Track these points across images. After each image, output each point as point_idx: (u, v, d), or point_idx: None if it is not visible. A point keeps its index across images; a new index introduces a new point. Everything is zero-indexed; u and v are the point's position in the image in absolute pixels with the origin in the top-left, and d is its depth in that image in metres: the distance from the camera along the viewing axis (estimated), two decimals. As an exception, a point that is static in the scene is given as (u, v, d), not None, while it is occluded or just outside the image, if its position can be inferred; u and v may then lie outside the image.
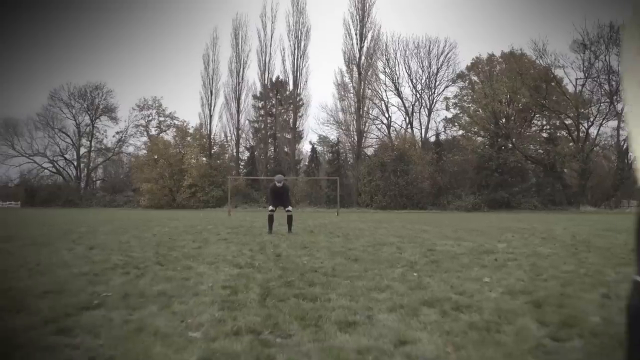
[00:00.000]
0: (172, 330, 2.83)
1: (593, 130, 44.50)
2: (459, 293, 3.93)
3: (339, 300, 3.65)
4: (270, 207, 11.64)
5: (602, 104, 43.97)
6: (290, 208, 11.64)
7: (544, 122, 48.58)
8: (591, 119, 43.96)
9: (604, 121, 44.18)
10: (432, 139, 49.96)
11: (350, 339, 2.65)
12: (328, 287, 4.21)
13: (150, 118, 66.58)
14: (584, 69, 43.89)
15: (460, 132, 50.04)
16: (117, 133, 68.09)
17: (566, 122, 45.21)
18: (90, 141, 67.43)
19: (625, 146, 43.57)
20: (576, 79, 44.69)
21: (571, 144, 44.40)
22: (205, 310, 3.35)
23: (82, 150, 67.93)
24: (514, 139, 44.52)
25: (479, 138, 47.16)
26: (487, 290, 4.03)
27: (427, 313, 3.26)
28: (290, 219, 11.60)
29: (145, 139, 65.28)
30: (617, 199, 41.88)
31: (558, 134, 46.24)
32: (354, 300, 3.68)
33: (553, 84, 43.89)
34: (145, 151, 60.72)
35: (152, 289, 4.12)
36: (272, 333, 2.77)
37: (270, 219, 11.42)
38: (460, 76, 52.57)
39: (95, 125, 67.32)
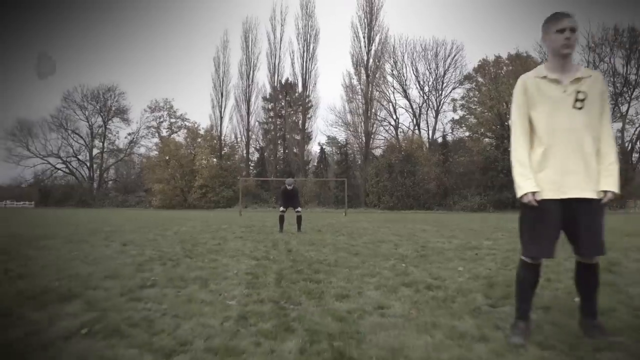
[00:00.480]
0: (214, 300, 3.89)
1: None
2: (434, 278, 4.95)
3: (338, 283, 4.69)
4: (282, 208, 12.73)
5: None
6: (299, 209, 12.72)
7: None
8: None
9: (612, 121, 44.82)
10: (440, 140, 50.96)
11: (343, 305, 3.69)
12: (330, 274, 5.25)
13: (161, 119, 68.20)
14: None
15: (467, 133, 50.98)
16: (129, 134, 69.87)
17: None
18: (103, 142, 69.17)
19: (629, 147, 44.26)
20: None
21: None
22: (235, 288, 4.41)
23: (95, 151, 69.48)
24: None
25: (485, 139, 47.98)
26: (457, 277, 5.05)
27: (404, 290, 4.29)
28: (299, 219, 12.67)
29: (156, 140, 66.74)
30: (623, 200, 42.49)
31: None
32: (350, 282, 4.71)
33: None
34: (156, 152, 62.16)
35: (189, 274, 5.18)
36: (286, 302, 3.81)
37: (281, 219, 12.50)
38: (468, 78, 53.44)
39: (107, 126, 69.03)
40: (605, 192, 2.72)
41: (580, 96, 2.74)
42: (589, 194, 2.70)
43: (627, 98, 43.79)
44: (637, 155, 44.63)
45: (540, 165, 2.79)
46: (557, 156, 2.73)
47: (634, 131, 44.35)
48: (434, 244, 8.88)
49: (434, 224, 16.41)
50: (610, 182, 2.72)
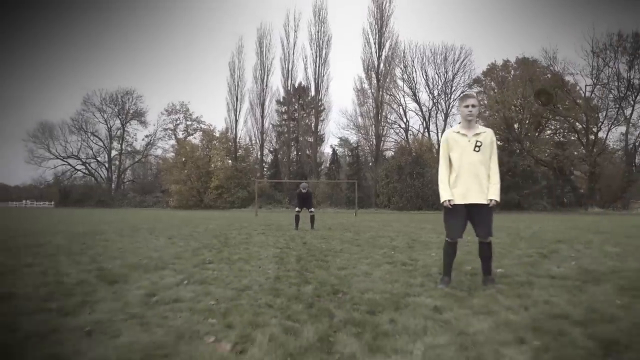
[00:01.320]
0: (256, 270, 5.90)
1: (602, 135, 46.83)
2: (410, 260, 6.91)
3: (340, 262, 6.67)
4: (297, 209, 14.76)
5: (610, 110, 46.22)
6: (312, 209, 14.75)
7: (558, 126, 51.01)
8: (599, 124, 46.20)
9: (612, 126, 46.40)
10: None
11: (342, 272, 5.68)
12: (335, 257, 7.24)
13: (178, 122, 70.86)
14: (593, 75, 46.18)
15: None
16: (146, 136, 72.67)
17: (576, 127, 47.57)
18: (121, 144, 72.01)
19: (632, 150, 45.71)
20: (585, 86, 47.02)
21: (581, 148, 46.75)
22: (268, 264, 6.42)
23: (113, 153, 72.18)
24: (527, 143, 47.18)
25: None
26: (427, 259, 7.01)
27: (385, 266, 6.26)
28: (312, 218, 14.69)
29: (172, 142, 69.29)
30: (625, 201, 44.09)
31: (568, 139, 48.67)
32: (349, 262, 6.69)
33: (563, 90, 46.11)
34: (173, 154, 64.62)
35: (233, 257, 7.20)
36: (305, 271, 5.81)
37: (297, 218, 14.52)
38: (477, 81, 55.16)
39: (125, 129, 71.82)
40: (490, 199, 4.68)
41: (478, 144, 4.72)
42: (482, 200, 4.67)
43: (631, 102, 45.23)
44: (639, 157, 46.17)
45: (454, 183, 4.77)
46: (463, 179, 4.71)
47: (638, 134, 45.79)
48: (424, 238, 10.83)
49: (434, 223, 18.28)
50: (493, 194, 4.68)
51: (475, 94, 4.86)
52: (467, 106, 4.76)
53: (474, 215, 4.73)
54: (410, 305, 3.90)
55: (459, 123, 5.00)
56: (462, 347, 2.81)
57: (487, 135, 4.79)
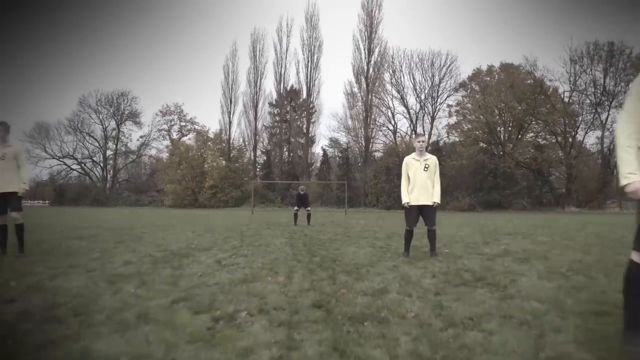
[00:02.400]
0: (278, 250, 8.46)
1: (580, 138, 49.90)
2: (387, 245, 9.50)
3: (335, 246, 9.24)
4: (295, 207, 17.32)
5: (587, 115, 49.30)
6: (309, 208, 17.33)
7: (538, 130, 54.00)
8: (577, 128, 49.26)
9: (589, 130, 49.50)
10: (431, 146, 55.58)
11: (335, 252, 8.24)
12: (331, 243, 9.81)
13: (172, 123, 73.00)
14: (571, 82, 49.25)
15: (459, 138, 55.52)
16: (141, 137, 74.72)
17: (555, 130, 50.55)
18: (116, 144, 73.93)
19: (608, 153, 48.79)
20: (564, 92, 50.07)
21: (559, 151, 49.78)
22: (283, 247, 8.97)
23: (108, 153, 74.22)
24: (510, 145, 50.12)
25: (476, 145, 52.55)
26: (400, 245, 9.60)
27: (367, 248, 8.84)
28: (309, 216, 17.26)
29: (167, 142, 71.49)
30: (601, 201, 47.12)
31: (548, 142, 51.69)
32: (342, 246, 9.26)
33: (543, 96, 49.06)
34: (167, 154, 66.88)
35: (255, 243, 9.74)
36: (311, 250, 8.37)
37: (295, 215, 17.09)
38: (463, 85, 57.94)
39: (120, 129, 73.88)
40: (434, 202, 7.28)
41: (426, 166, 7.32)
42: (429, 202, 7.27)
43: (607, 107, 48.29)
44: (615, 160, 49.16)
45: (411, 191, 7.36)
46: (417, 188, 7.30)
47: (613, 138, 48.78)
48: (402, 232, 13.43)
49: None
50: (435, 197, 7.28)
51: (424, 134, 7.50)
52: (419, 142, 7.41)
53: (424, 212, 7.33)
54: (379, 265, 6.48)
55: (414, 152, 7.59)
56: (402, 279, 5.36)
57: (432, 160, 7.41)
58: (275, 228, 15.22)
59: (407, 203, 7.35)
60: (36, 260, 6.77)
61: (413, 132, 54.58)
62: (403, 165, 7.63)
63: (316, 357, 2.72)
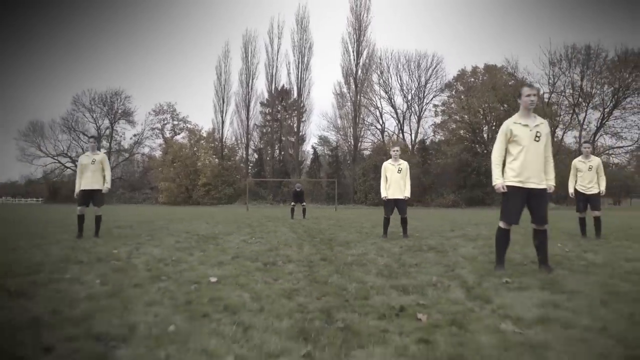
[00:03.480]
0: (283, 235, 10.89)
1: (558, 138, 52.71)
2: (371, 231, 11.94)
3: (330, 233, 11.68)
4: (292, 203, 19.73)
5: (565, 115, 52.18)
6: (304, 203, 19.77)
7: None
8: (555, 128, 52.09)
9: (567, 130, 52.43)
10: (417, 145, 58.28)
11: (331, 236, 10.68)
12: (326, 233, 12.24)
13: (165, 122, 74.92)
14: (550, 84, 52.13)
15: (445, 137, 58.27)
16: (134, 135, 76.65)
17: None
18: (110, 143, 75.74)
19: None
20: (543, 93, 52.82)
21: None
22: (288, 234, 11.39)
23: (102, 151, 75.93)
24: (491, 145, 52.77)
25: (461, 144, 55.29)
26: (380, 231, 12.05)
27: (354, 234, 11.29)
28: (304, 210, 19.71)
29: (160, 141, 73.56)
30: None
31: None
32: (334, 233, 11.69)
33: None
34: (160, 152, 69.03)
35: (264, 231, 12.14)
36: (308, 234, 10.79)
37: (292, 210, 19.51)
38: (448, 86, 60.65)
39: (114, 128, 75.79)
40: (405, 196, 9.74)
41: (400, 169, 9.77)
42: (401, 197, 9.72)
43: (584, 108, 51.20)
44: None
45: (388, 188, 9.81)
46: (392, 186, 9.76)
47: (591, 136, 51.80)
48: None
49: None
50: (406, 192, 9.74)
51: (398, 146, 9.91)
52: (394, 151, 9.87)
53: (398, 204, 9.78)
54: (364, 242, 8.92)
55: (391, 159, 10.02)
56: (378, 248, 7.79)
57: (404, 165, 9.86)
58: (276, 221, 17.60)
59: (385, 197, 9.80)
60: (112, 239, 9.13)
61: (390, 142, 56.91)
62: (382, 169, 10.09)
63: (326, 275, 5.11)
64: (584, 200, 9.86)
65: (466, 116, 51.88)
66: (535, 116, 5.46)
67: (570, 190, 10.06)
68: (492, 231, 11.39)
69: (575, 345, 2.65)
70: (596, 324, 3.04)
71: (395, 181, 9.79)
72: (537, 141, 5.33)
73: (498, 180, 5.46)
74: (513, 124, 5.43)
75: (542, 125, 5.41)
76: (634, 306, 3.53)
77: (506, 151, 5.50)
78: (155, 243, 8.52)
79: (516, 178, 5.38)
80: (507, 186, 5.42)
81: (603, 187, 9.83)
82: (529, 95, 5.35)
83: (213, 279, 4.69)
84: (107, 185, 9.77)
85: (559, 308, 3.50)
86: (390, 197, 9.79)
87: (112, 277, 4.85)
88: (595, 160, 10.07)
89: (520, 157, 5.35)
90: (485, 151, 51.81)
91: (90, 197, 9.59)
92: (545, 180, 5.46)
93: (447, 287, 4.41)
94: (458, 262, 6.14)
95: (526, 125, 5.36)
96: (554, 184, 5.57)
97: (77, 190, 9.67)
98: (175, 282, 4.57)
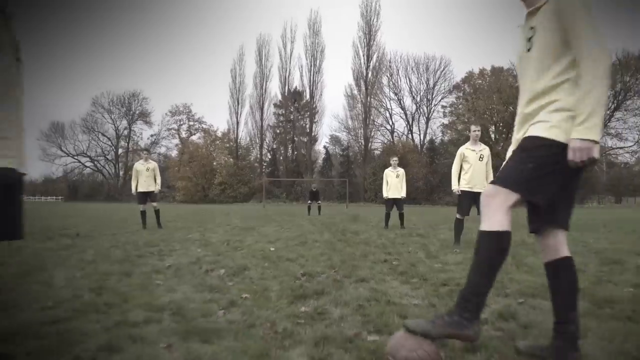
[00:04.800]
0: (306, 227, 13.77)
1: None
2: (375, 225, 14.78)
3: (342, 225, 14.53)
4: (309, 201, 22.64)
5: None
6: (319, 202, 22.65)
7: (527, 129, 59.12)
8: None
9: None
10: (427, 145, 60.98)
11: (343, 228, 13.55)
12: (339, 224, 15.09)
13: (181, 122, 78.15)
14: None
15: (452, 137, 60.88)
16: (152, 135, 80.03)
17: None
18: (128, 143, 79.23)
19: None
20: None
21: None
22: (308, 226, 14.26)
23: (120, 151, 79.54)
24: (502, 144, 55.42)
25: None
26: (382, 223, 14.89)
27: (363, 225, 14.13)
28: (319, 208, 22.60)
29: (176, 141, 76.86)
30: (580, 197, 52.44)
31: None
32: (347, 225, 14.54)
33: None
34: (176, 152, 72.30)
35: (289, 224, 15.03)
36: (326, 227, 13.65)
37: (309, 207, 22.41)
38: (456, 87, 63.28)
39: (132, 128, 79.20)
40: (402, 196, 12.58)
41: (397, 174, 12.60)
42: (399, 196, 12.56)
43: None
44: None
45: (388, 190, 12.66)
46: (392, 190, 12.59)
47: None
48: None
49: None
50: (403, 193, 12.58)
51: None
52: (474, 131, 12.70)
53: (397, 203, 12.61)
54: (370, 231, 11.75)
55: (390, 167, 12.84)
56: (379, 235, 10.63)
57: (401, 172, 12.69)
58: (295, 217, 20.48)
59: (386, 196, 12.67)
60: (174, 230, 12.05)
61: (409, 132, 59.53)
62: (384, 174, 12.93)
63: (342, 247, 7.94)
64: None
65: (472, 118, 54.42)
66: (480, 143, 8.32)
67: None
68: (475, 224, 14.23)
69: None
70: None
71: (394, 184, 12.62)
72: (481, 161, 8.16)
73: (455, 187, 8.33)
74: (465, 149, 8.30)
75: (484, 150, 8.26)
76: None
77: (461, 167, 8.35)
78: (211, 232, 11.42)
79: (467, 185, 8.21)
80: (461, 190, 8.26)
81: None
82: (474, 131, 8.25)
83: (272, 248, 7.58)
84: (158, 187, 12.83)
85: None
86: (390, 196, 12.63)
87: (212, 248, 7.75)
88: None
89: (469, 171, 8.19)
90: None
91: (148, 196, 12.59)
92: (485, 186, 8.29)
93: (415, 252, 7.27)
94: (432, 243, 8.95)
95: (473, 150, 8.21)
96: None
97: (135, 191, 12.76)
98: (250, 249, 7.47)
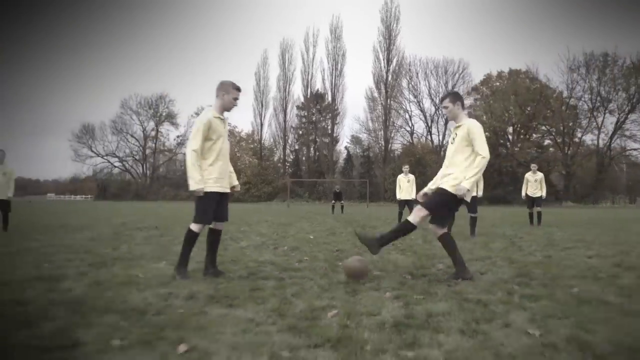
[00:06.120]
0: (332, 223, 16.65)
1: (577, 140, 57.35)
2: (391, 221, 17.59)
3: (363, 221, 17.37)
4: (333, 201, 25.51)
5: (583, 119, 56.75)
6: (342, 201, 25.53)
7: (544, 131, 61.50)
8: (574, 131, 56.76)
9: (585, 133, 57.04)
10: (445, 145, 63.40)
11: (364, 223, 16.38)
12: (360, 222, 17.94)
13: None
14: (569, 89, 56.75)
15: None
16: (178, 136, 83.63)
17: (558, 130, 58.05)
18: (155, 143, 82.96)
19: (602, 154, 56.16)
20: (563, 97, 57.42)
21: (558, 151, 57.34)
22: (334, 222, 17.13)
23: (148, 151, 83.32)
24: (519, 144, 57.75)
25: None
26: (396, 221, 17.69)
27: (380, 222, 16.96)
28: (342, 207, 25.47)
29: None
30: (595, 196, 54.59)
31: (551, 142, 59.28)
32: (367, 221, 17.37)
33: (543, 103, 56.60)
34: (201, 152, 75.59)
35: (319, 220, 17.91)
36: (349, 223, 16.50)
37: (333, 207, 25.29)
38: (475, 89, 65.58)
39: (159, 129, 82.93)
40: (412, 197, 15.38)
41: (409, 180, 15.43)
42: (409, 198, 15.38)
43: (602, 112, 55.71)
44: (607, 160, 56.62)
45: (400, 192, 15.49)
46: (403, 191, 15.42)
47: (607, 141, 56.38)
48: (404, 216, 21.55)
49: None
50: (413, 194, 15.39)
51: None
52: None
53: (408, 204, 15.42)
54: (386, 226, 14.57)
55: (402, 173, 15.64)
56: (393, 229, 13.48)
57: (411, 177, 15.48)
58: (320, 215, 23.34)
59: (399, 198, 15.43)
60: (226, 224, 15.01)
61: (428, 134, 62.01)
62: (397, 180, 15.69)
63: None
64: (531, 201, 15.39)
65: (488, 120, 56.82)
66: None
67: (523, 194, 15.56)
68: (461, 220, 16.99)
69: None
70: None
71: (405, 188, 15.37)
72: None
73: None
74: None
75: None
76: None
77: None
78: (257, 226, 14.34)
79: None
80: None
81: (544, 193, 15.31)
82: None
83: (311, 236, 10.47)
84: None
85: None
86: (402, 198, 15.38)
87: (267, 237, 10.67)
88: (539, 174, 15.54)
89: None
90: (505, 152, 56.74)
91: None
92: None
93: (416, 239, 10.08)
94: (430, 233, 11.73)
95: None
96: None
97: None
98: (295, 237, 10.36)
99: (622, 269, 5.90)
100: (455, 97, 5.55)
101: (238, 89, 5.52)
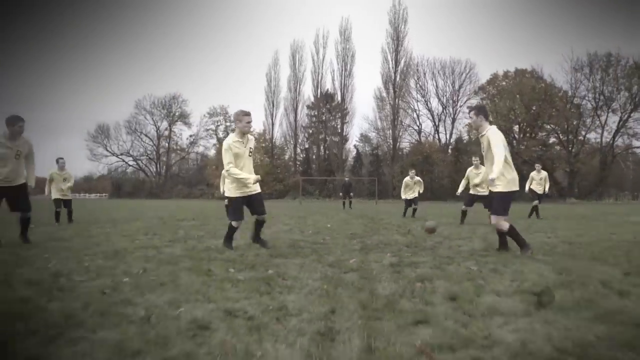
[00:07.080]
0: (344, 217, 18.80)
1: (581, 138, 59.15)
2: (397, 215, 19.72)
3: (372, 215, 19.49)
4: (342, 196, 27.68)
5: (587, 118, 58.55)
6: (352, 194, 27.74)
7: (550, 130, 63.29)
8: (578, 130, 58.54)
9: (589, 131, 58.83)
10: (452, 145, 65.46)
11: (373, 216, 18.52)
12: (369, 216, 20.08)
13: (218, 123, 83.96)
14: (573, 88, 58.58)
15: (476, 137, 65.07)
16: (190, 136, 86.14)
17: (563, 129, 59.85)
18: (168, 143, 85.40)
19: (606, 152, 57.89)
20: (567, 97, 59.23)
21: (562, 149, 59.18)
22: (346, 216, 19.28)
23: (161, 150, 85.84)
24: (525, 143, 59.59)
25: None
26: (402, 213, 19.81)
27: (388, 216, 19.10)
28: (350, 203, 27.63)
29: (214, 141, 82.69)
30: (599, 193, 56.39)
31: (556, 141, 61.11)
32: (376, 214, 19.50)
33: (547, 102, 58.41)
34: (213, 151, 78.02)
35: (332, 215, 20.06)
36: (361, 216, 18.63)
37: (344, 203, 27.48)
38: (482, 89, 67.43)
39: (172, 129, 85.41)
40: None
41: (416, 181, 17.55)
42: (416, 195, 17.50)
43: (606, 111, 57.49)
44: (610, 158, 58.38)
45: (406, 192, 17.59)
46: (409, 190, 17.53)
47: (609, 140, 58.09)
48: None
49: (423, 206, 31.03)
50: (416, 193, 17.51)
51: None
52: (411, 173, 17.61)
53: (414, 202, 17.53)
54: (393, 220, 16.71)
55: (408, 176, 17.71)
56: (398, 221, 15.59)
57: (420, 181, 17.58)
58: (332, 210, 25.47)
59: (405, 198, 17.53)
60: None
61: (436, 131, 63.91)
62: (404, 181, 17.82)
63: (375, 226, 12.94)
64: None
65: (495, 120, 58.64)
66: (481, 166, 13.20)
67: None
68: (474, 215, 19.05)
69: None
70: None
71: (411, 187, 17.45)
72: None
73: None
74: (470, 172, 13.20)
75: (482, 168, 13.11)
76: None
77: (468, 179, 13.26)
78: (276, 220, 16.50)
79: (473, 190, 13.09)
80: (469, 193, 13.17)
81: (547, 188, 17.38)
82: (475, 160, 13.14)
83: (329, 225, 12.63)
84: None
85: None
86: (409, 197, 17.41)
87: (290, 226, 12.84)
88: (543, 173, 17.55)
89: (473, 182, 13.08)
90: (510, 150, 58.54)
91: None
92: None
93: (416, 228, 12.21)
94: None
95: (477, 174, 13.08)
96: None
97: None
98: (315, 226, 12.51)
99: (567, 245, 8.02)
100: (479, 110, 6.70)
101: (247, 114, 6.90)
